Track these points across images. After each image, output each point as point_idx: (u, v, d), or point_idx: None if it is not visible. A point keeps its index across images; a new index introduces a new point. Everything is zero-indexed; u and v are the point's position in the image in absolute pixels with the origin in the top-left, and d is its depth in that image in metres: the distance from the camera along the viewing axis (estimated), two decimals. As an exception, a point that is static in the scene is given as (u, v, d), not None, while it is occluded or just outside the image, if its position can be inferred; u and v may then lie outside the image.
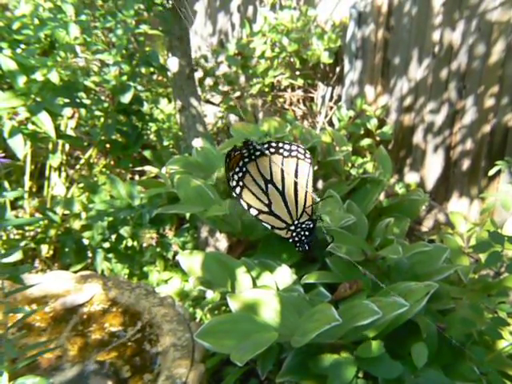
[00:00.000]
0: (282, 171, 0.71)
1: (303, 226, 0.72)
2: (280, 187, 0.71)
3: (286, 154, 0.70)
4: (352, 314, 0.95)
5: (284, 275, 1.21)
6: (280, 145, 0.71)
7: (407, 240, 1.58)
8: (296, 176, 0.71)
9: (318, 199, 0.74)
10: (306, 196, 0.71)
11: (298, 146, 0.72)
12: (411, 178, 2.32)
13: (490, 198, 1.80)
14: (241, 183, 0.71)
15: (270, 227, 0.73)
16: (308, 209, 0.72)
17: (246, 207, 0.71)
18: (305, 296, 1.12)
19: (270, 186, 0.71)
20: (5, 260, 0.85)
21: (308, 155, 0.71)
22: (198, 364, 1.00)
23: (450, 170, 2.15)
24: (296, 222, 0.72)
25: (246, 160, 0.71)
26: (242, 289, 1.13)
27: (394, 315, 0.96)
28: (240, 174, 0.71)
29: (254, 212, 0.71)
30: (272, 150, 0.71)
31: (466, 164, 2.07)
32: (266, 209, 0.71)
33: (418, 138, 2.26)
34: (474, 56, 1.93)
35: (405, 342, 1.08)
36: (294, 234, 0.73)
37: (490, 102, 1.91)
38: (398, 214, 1.61)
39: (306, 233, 0.73)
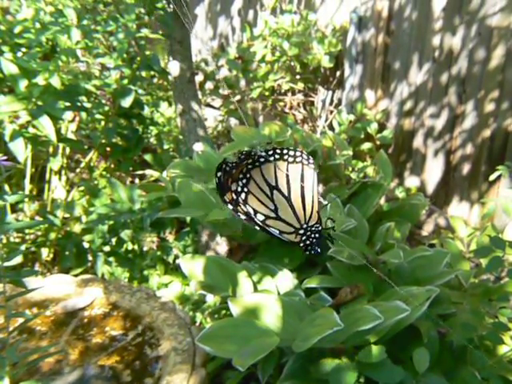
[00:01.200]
0: (288, 177, 0.71)
1: (312, 229, 0.73)
2: (286, 193, 0.71)
3: (290, 159, 0.71)
4: (353, 318, 0.95)
5: (285, 279, 1.21)
6: (284, 151, 0.71)
7: (408, 244, 1.58)
8: (302, 181, 0.71)
9: (325, 202, 0.74)
10: (313, 200, 0.72)
11: (302, 152, 0.72)
12: (411, 182, 2.33)
13: (491, 202, 1.80)
14: (245, 189, 0.71)
15: (277, 232, 0.73)
16: (315, 213, 0.73)
17: (252, 213, 0.72)
18: (306, 300, 1.12)
19: (275, 191, 0.71)
20: (5, 264, 0.85)
21: (311, 161, 0.71)
22: (199, 368, 1.00)
23: (450, 175, 2.15)
24: (305, 226, 0.72)
25: (250, 167, 0.71)
26: (243, 293, 1.13)
27: (396, 320, 0.96)
28: (244, 181, 0.71)
29: (260, 217, 0.71)
30: (277, 156, 0.71)
31: (466, 168, 2.07)
32: (272, 214, 0.71)
33: (418, 142, 2.27)
34: (474, 61, 1.93)
35: (406, 346, 1.08)
36: (304, 238, 0.73)
37: (490, 107, 1.91)
38: (399, 218, 1.61)
39: (316, 235, 0.73)
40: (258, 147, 0.71)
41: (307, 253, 0.74)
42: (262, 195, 0.70)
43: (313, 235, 0.72)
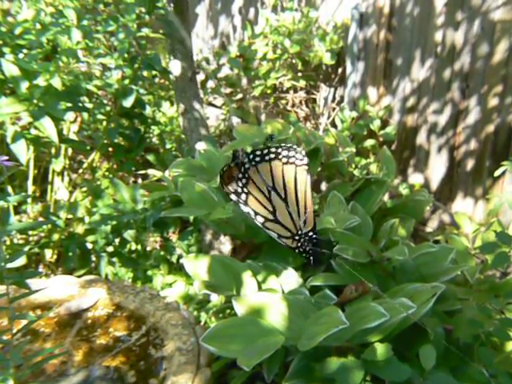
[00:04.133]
0: (283, 178, 0.70)
1: (307, 237, 0.71)
2: (282, 194, 0.69)
3: (284, 160, 0.70)
4: (359, 316, 0.94)
5: (289, 278, 1.20)
6: (279, 150, 0.70)
7: (412, 241, 1.57)
8: (296, 183, 0.69)
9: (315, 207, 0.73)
10: (306, 204, 0.70)
11: (296, 151, 0.70)
12: (415, 178, 2.32)
13: (496, 198, 1.79)
14: (245, 190, 0.70)
15: (276, 236, 0.72)
16: (309, 218, 0.71)
17: (253, 214, 0.70)
18: (310, 299, 1.11)
19: (272, 192, 0.69)
20: (9, 265, 0.84)
21: (305, 161, 0.70)
22: (204, 368, 0.99)
23: (453, 171, 2.14)
24: (300, 232, 0.71)
25: (247, 166, 0.69)
26: (248, 292, 1.12)
27: (401, 317, 0.95)
28: (244, 181, 0.69)
29: (260, 219, 0.71)
30: (272, 155, 0.70)
31: (470, 164, 2.06)
32: (271, 216, 0.70)
33: (421, 138, 2.26)
34: (477, 56, 1.92)
35: (412, 343, 1.07)
36: (299, 245, 0.72)
37: (493, 102, 1.90)
38: (403, 214, 1.61)
39: (310, 244, 0.72)
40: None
41: (305, 260, 0.73)
42: (261, 196, 0.69)
43: (306, 243, 0.71)
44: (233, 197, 0.71)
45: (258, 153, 0.69)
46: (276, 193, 0.70)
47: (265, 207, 0.70)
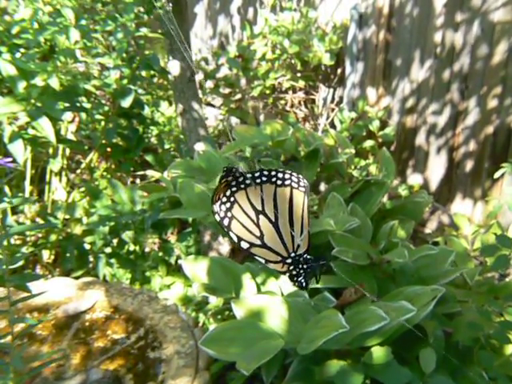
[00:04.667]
0: (275, 201, 0.65)
1: (301, 259, 0.66)
2: (273, 218, 0.65)
3: (279, 182, 0.65)
4: (359, 320, 0.94)
5: (288, 280, 1.19)
6: (273, 173, 0.65)
7: (411, 242, 1.56)
8: (291, 206, 0.65)
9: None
10: (302, 226, 0.66)
11: (292, 174, 0.66)
12: (414, 179, 2.31)
13: (495, 200, 1.78)
14: (229, 214, 0.65)
15: (263, 261, 0.67)
16: (305, 239, 0.68)
17: (235, 240, 0.66)
18: (310, 301, 1.10)
19: (261, 216, 0.65)
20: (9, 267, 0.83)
21: (302, 183, 0.66)
22: (203, 372, 0.98)
23: (453, 172, 2.14)
24: (293, 255, 0.66)
25: (234, 189, 0.65)
26: (247, 295, 1.11)
27: (401, 320, 0.94)
28: (228, 205, 0.65)
29: (244, 245, 0.65)
30: (264, 178, 0.65)
31: (469, 165, 2.06)
32: (258, 241, 0.65)
33: (420, 139, 2.25)
34: (477, 57, 1.91)
35: (411, 346, 1.07)
36: (291, 268, 0.66)
37: (492, 103, 1.90)
38: (402, 216, 1.60)
39: (304, 266, 0.66)
40: (240, 165, 0.66)
41: (292, 284, 0.69)
42: (247, 220, 0.65)
43: (300, 265, 0.67)
44: (216, 217, 0.66)
45: (249, 175, 0.65)
46: (265, 217, 0.65)
47: (251, 232, 0.65)
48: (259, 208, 0.65)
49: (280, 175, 0.65)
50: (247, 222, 0.65)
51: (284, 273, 0.67)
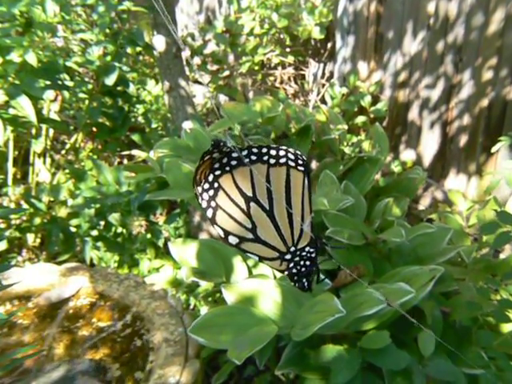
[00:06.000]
0: (269, 184, 0.53)
1: (303, 254, 0.55)
2: (267, 206, 0.53)
3: (272, 161, 0.53)
4: (355, 303, 0.90)
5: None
6: (264, 150, 0.53)
7: (405, 219, 1.52)
8: (288, 189, 0.53)
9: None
10: (303, 213, 0.54)
11: (287, 150, 0.53)
12: (407, 155, 2.27)
13: (492, 175, 1.74)
14: (213, 203, 0.53)
15: (257, 258, 0.55)
16: (306, 231, 0.54)
17: (222, 235, 0.53)
18: (303, 284, 1.06)
19: (252, 204, 0.53)
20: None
21: (301, 161, 0.53)
22: (193, 360, 0.94)
23: (446, 147, 2.09)
24: (293, 249, 0.55)
25: (218, 173, 0.52)
26: (238, 279, 1.07)
27: (400, 303, 0.90)
28: (211, 193, 0.52)
29: (233, 240, 0.53)
30: (253, 157, 0.52)
31: (463, 140, 2.02)
32: (249, 235, 0.53)
33: (413, 114, 2.20)
34: (471, 27, 1.85)
35: (409, 328, 1.03)
36: (292, 265, 0.55)
37: (487, 75, 1.84)
38: (396, 193, 1.56)
39: (307, 262, 0.55)
40: (227, 137, 0.54)
41: (293, 284, 0.58)
42: (236, 210, 0.53)
43: (302, 262, 0.55)
44: (201, 202, 0.53)
45: (235, 155, 0.52)
46: (257, 204, 0.53)
47: (240, 224, 0.54)
48: (249, 194, 0.53)
49: (273, 152, 0.53)
50: (236, 212, 0.53)
51: (283, 271, 0.57)
